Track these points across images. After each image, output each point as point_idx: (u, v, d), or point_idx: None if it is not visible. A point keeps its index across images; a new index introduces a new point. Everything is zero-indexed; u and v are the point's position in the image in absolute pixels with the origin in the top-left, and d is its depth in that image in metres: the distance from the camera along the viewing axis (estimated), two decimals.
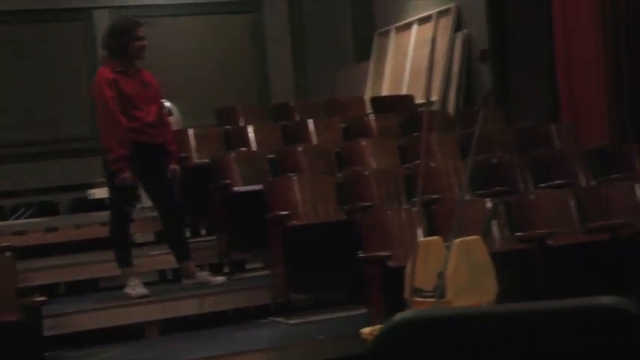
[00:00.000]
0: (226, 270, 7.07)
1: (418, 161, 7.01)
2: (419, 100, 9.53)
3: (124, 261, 6.25)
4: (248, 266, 7.39)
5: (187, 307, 6.21)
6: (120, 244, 6.25)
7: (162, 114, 6.38)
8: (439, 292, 4.69)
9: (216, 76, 11.33)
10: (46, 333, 5.44)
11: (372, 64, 10.68)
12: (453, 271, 4.75)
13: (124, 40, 6.08)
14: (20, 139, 10.36)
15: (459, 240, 4.79)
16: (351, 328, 5.19)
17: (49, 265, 6.82)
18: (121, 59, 6.11)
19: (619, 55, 7.57)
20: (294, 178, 6.38)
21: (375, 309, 5.33)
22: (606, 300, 1.42)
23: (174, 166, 6.33)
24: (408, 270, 4.84)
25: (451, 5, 9.47)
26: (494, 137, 7.51)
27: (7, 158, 10.15)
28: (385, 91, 10.29)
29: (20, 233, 7.47)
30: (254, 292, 6.38)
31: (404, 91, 9.82)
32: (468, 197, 6.17)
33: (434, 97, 9.37)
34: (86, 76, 9.52)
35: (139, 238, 7.85)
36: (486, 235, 4.98)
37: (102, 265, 6.68)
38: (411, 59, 9.94)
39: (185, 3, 11.28)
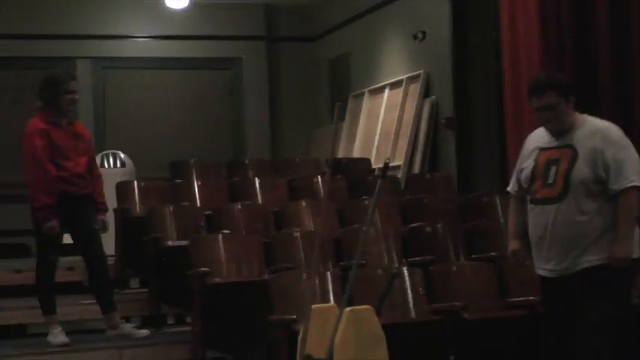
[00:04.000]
0: (170, 322, 7.10)
1: (356, 225, 7.05)
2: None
3: (48, 309, 6.28)
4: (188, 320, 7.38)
5: (104, 358, 6.22)
6: (45, 292, 6.29)
7: (93, 165, 6.44)
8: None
9: (193, 130, 11.45)
10: None
11: (345, 126, 10.74)
12: (341, 339, 4.73)
13: (55, 92, 6.15)
14: None
15: (349, 309, 4.78)
16: None
17: None
18: (53, 110, 6.19)
19: None
20: (220, 235, 6.40)
21: None
22: None
23: (102, 218, 6.38)
24: (300, 336, 4.84)
25: (420, 72, 9.51)
26: (439, 206, 7.49)
27: None
28: (356, 152, 10.33)
29: None
30: (175, 347, 6.37)
31: (374, 154, 9.85)
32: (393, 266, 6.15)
33: (399, 162, 9.39)
34: None
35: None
36: (381, 304, 4.95)
37: (31, 312, 6.69)
38: (382, 122, 9.97)
39: (166, 57, 11.43)
